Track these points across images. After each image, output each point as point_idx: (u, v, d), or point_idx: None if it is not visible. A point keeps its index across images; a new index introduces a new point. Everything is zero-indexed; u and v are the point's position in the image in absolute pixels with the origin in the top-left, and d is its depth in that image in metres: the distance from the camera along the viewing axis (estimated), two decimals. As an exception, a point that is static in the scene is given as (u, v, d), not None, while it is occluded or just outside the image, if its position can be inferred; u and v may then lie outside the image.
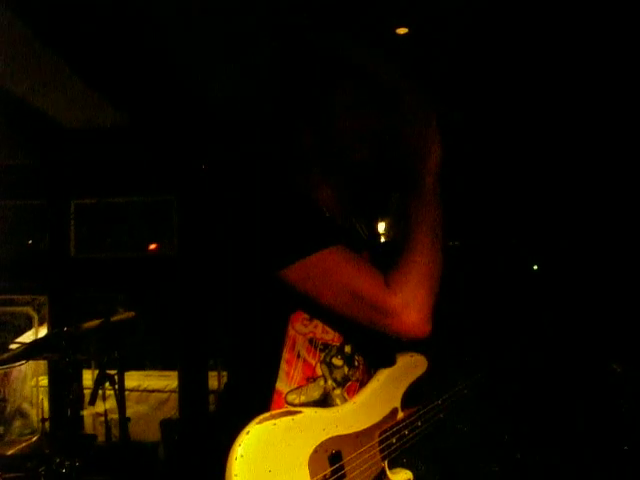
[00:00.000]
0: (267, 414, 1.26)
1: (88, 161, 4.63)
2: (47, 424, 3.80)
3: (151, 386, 5.26)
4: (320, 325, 1.39)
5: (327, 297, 1.31)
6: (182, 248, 4.65)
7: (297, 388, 1.38)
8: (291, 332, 1.38)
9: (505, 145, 3.81)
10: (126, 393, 3.15)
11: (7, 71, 3.66)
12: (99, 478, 3.32)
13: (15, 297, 4.61)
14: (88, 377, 4.24)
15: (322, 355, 1.40)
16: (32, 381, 4.37)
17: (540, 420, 3.15)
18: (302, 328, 1.38)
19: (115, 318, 3.08)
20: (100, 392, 3.05)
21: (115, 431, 3.73)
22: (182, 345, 4.60)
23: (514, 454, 3.05)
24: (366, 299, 1.29)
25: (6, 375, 4.28)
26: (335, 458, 1.31)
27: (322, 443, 1.30)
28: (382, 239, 1.72)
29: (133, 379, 5.07)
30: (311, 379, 1.39)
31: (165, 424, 4.58)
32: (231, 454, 1.19)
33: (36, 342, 3.30)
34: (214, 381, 4.56)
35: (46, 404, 4.24)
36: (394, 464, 1.47)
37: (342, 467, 1.32)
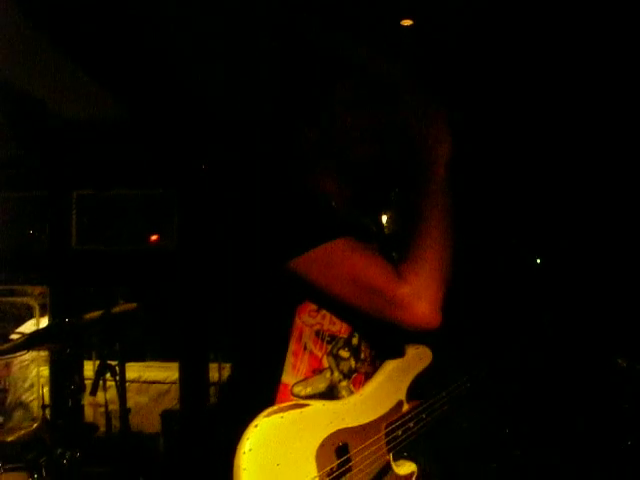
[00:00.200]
0: (275, 407, 1.26)
1: (90, 153, 4.62)
2: (47, 411, 3.81)
3: (151, 377, 5.27)
4: (328, 316, 1.39)
5: (337, 288, 1.31)
6: (183, 240, 4.64)
7: (303, 380, 1.37)
8: (298, 323, 1.37)
9: (505, 144, 3.81)
10: (127, 384, 3.16)
11: (9, 63, 3.65)
12: (99, 469, 3.33)
13: (16, 288, 4.61)
14: (89, 368, 4.23)
15: (329, 347, 1.40)
16: (33, 371, 4.37)
17: (540, 420, 3.16)
18: (309, 319, 1.38)
19: (116, 309, 3.08)
20: (101, 383, 3.05)
21: (115, 422, 3.73)
22: (183, 337, 4.60)
23: (513, 452, 3.06)
24: (377, 290, 1.29)
25: (7, 365, 4.28)
26: (342, 451, 1.31)
27: (329, 436, 1.30)
28: (388, 232, 1.71)
29: (134, 370, 5.07)
30: (317, 371, 1.39)
31: (165, 415, 4.59)
32: (239, 447, 1.19)
33: (37, 332, 3.30)
34: (215, 373, 4.56)
35: (47, 394, 4.24)
36: (398, 456, 1.47)
37: (349, 460, 1.32)
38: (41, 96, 4.29)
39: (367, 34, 1.63)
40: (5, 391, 4.26)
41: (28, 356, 4.11)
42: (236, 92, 3.92)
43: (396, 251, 1.48)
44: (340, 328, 1.41)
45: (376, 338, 1.47)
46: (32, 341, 3.02)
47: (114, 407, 3.48)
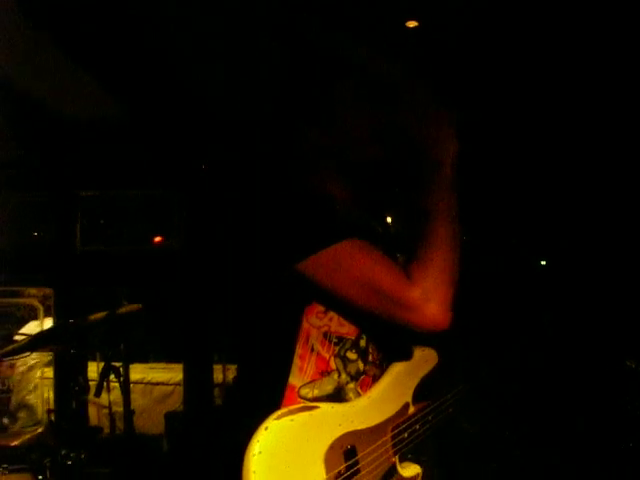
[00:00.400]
0: (285, 409, 1.25)
1: (94, 154, 4.62)
2: (52, 415, 3.81)
3: (155, 379, 5.27)
4: (335, 318, 1.38)
5: (345, 290, 1.30)
6: (188, 241, 4.64)
7: (310, 382, 1.37)
8: (305, 325, 1.37)
9: (506, 144, 3.81)
10: (131, 386, 3.16)
11: (12, 64, 3.66)
12: (103, 470, 3.33)
13: (21, 289, 4.61)
14: (93, 369, 4.24)
15: (336, 349, 1.39)
16: (37, 373, 4.38)
17: (540, 420, 3.15)
18: (317, 321, 1.37)
19: (121, 311, 3.08)
20: (105, 384, 3.05)
21: (119, 423, 3.74)
22: (187, 338, 4.60)
23: (513, 452, 3.05)
24: (386, 292, 1.28)
25: (10, 366, 4.29)
26: (350, 453, 1.31)
27: (338, 438, 1.29)
28: (394, 234, 1.71)
29: (138, 372, 5.08)
30: (325, 373, 1.38)
31: (169, 417, 4.59)
32: (249, 450, 1.18)
33: (42, 334, 3.30)
34: (219, 374, 4.56)
35: (51, 396, 4.25)
36: (403, 458, 1.47)
37: (356, 462, 1.32)
38: (43, 97, 4.30)
39: (370, 34, 1.62)
40: (9, 392, 4.26)
41: (32, 357, 4.11)
42: (236, 92, 3.92)
43: (401, 252, 1.47)
44: (348, 330, 1.40)
45: (384, 340, 1.47)
46: (36, 342, 3.02)
47: (118, 408, 3.49)
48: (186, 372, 4.66)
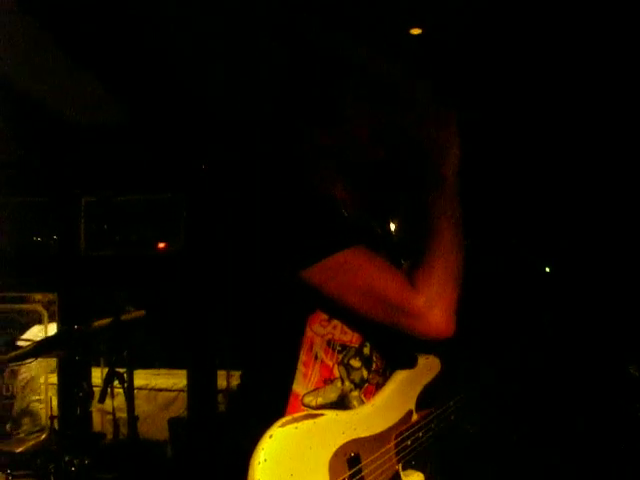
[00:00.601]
0: (289, 417, 1.25)
1: (99, 159, 4.63)
2: (56, 422, 3.81)
3: (159, 385, 5.26)
4: (339, 326, 1.38)
5: (349, 298, 1.30)
6: (192, 247, 4.64)
7: (314, 390, 1.37)
8: (309, 333, 1.36)
9: (507, 145, 3.80)
10: (134, 392, 3.16)
11: (19, 69, 3.67)
12: (107, 476, 3.33)
13: (25, 294, 4.61)
14: (97, 375, 4.24)
15: (340, 356, 1.39)
16: (41, 379, 4.38)
17: (540, 420, 3.15)
18: (320, 329, 1.37)
19: (125, 317, 3.09)
20: (109, 390, 3.05)
21: (123, 429, 3.73)
22: (191, 344, 4.60)
23: (513, 452, 3.05)
24: (390, 300, 1.28)
25: (13, 372, 4.29)
26: (354, 461, 1.31)
27: (342, 446, 1.29)
28: (396, 240, 1.71)
29: (141, 378, 5.07)
30: (328, 381, 1.38)
31: (173, 423, 4.59)
32: (254, 458, 1.18)
33: (46, 340, 3.31)
34: (223, 380, 4.56)
35: (55, 402, 4.25)
36: (407, 466, 1.47)
37: (360, 470, 1.32)
38: (51, 102, 4.31)
39: (370, 34, 1.62)
40: (13, 398, 4.26)
41: (36, 363, 4.11)
42: (236, 92, 3.93)
43: (405, 258, 1.47)
44: (352, 338, 1.40)
45: (387, 348, 1.47)
46: (41, 348, 3.03)
47: (122, 414, 3.49)
48: (190, 378, 4.65)
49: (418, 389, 1.53)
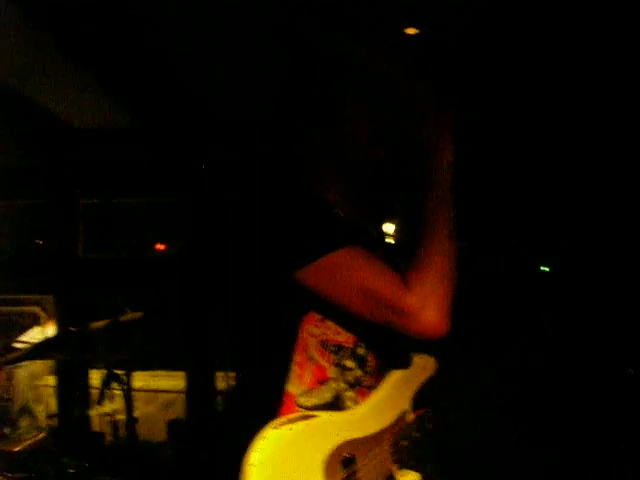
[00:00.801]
0: (283, 418, 1.25)
1: (97, 161, 4.63)
2: (55, 422, 3.81)
3: (158, 386, 5.25)
4: (333, 327, 1.38)
5: (343, 298, 1.30)
6: (191, 249, 4.64)
7: (308, 391, 1.37)
8: (303, 334, 1.36)
9: (507, 145, 3.80)
10: (133, 393, 3.16)
11: (19, 71, 3.67)
12: (106, 478, 3.32)
13: (23, 296, 4.61)
14: (96, 377, 4.24)
15: (334, 357, 1.39)
16: (39, 381, 4.37)
17: (540, 420, 3.15)
18: (314, 330, 1.37)
19: (123, 318, 3.09)
20: (107, 392, 3.05)
21: (122, 431, 3.73)
22: (190, 346, 4.60)
23: (513, 451, 3.05)
24: (384, 299, 1.28)
25: (12, 374, 4.28)
26: (349, 462, 1.30)
27: (337, 447, 1.28)
28: (390, 240, 1.71)
29: (140, 379, 5.06)
30: (323, 381, 1.38)
31: (172, 424, 4.58)
32: (247, 460, 1.17)
33: (45, 342, 3.31)
34: (222, 382, 4.55)
35: (53, 404, 4.24)
36: (402, 466, 1.47)
37: (356, 471, 1.31)
38: (49, 105, 4.31)
39: (370, 35, 1.62)
40: (10, 400, 4.26)
41: (34, 365, 4.11)
42: (236, 92, 3.93)
43: (399, 258, 1.47)
44: (346, 338, 1.40)
45: (382, 348, 1.46)
46: (40, 350, 3.03)
47: (121, 416, 3.48)
48: (189, 380, 4.65)
49: (413, 389, 1.53)
